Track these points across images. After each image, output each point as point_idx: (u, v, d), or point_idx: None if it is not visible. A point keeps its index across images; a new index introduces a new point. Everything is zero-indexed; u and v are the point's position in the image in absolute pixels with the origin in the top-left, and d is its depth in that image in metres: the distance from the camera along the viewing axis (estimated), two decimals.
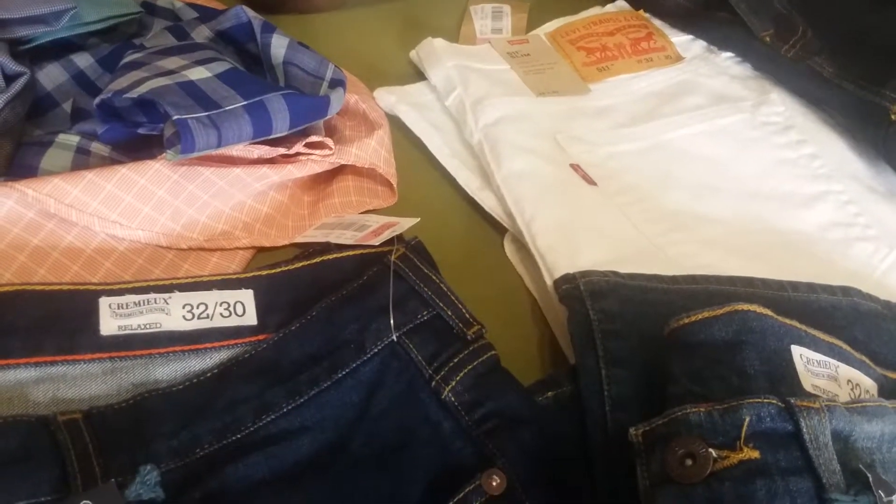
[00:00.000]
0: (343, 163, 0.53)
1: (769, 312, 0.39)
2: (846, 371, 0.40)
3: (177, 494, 0.36)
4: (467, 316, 0.44)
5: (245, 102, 0.47)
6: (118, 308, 0.40)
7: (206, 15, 0.57)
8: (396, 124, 0.60)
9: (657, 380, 0.39)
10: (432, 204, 0.57)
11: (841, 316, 0.47)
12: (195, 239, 0.49)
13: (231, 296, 0.43)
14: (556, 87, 0.65)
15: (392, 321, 0.43)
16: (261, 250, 0.51)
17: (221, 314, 0.42)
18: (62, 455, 0.34)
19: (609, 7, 0.73)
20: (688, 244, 0.54)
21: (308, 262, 0.46)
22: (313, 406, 0.40)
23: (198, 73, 0.48)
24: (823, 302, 0.47)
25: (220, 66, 0.50)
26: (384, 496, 0.39)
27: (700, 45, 0.70)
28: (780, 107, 0.64)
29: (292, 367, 0.41)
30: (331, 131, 0.55)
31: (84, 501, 0.33)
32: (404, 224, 0.49)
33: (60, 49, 0.54)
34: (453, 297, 0.44)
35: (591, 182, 0.56)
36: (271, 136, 0.49)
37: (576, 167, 0.57)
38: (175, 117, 0.44)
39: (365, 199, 0.55)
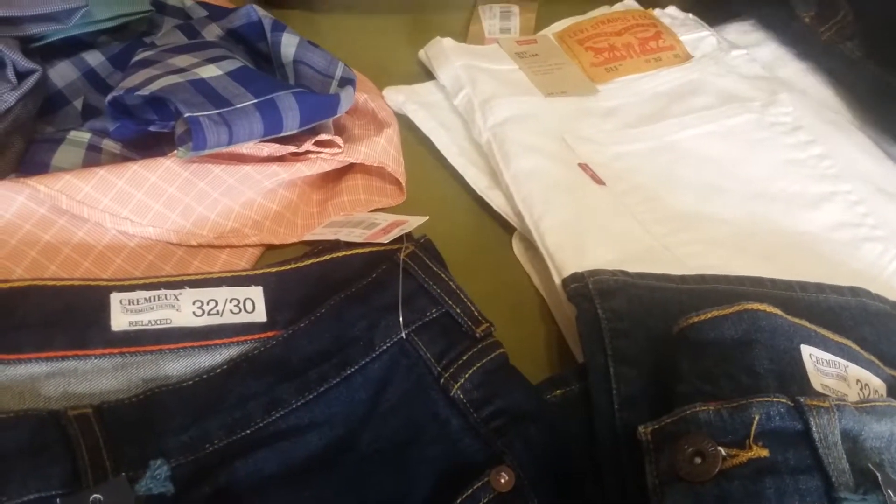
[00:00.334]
0: (352, 161, 0.53)
1: (779, 312, 0.39)
2: (855, 371, 0.40)
3: (187, 489, 0.36)
4: (476, 314, 0.44)
5: (256, 100, 0.47)
6: (129, 304, 0.41)
7: (216, 13, 0.58)
8: (405, 123, 0.61)
9: (666, 379, 0.39)
10: (441, 203, 0.57)
11: (849, 316, 0.47)
12: (205, 236, 0.49)
13: (241, 292, 0.43)
14: (564, 87, 0.65)
15: (401, 318, 0.43)
16: (270, 248, 0.52)
17: (231, 311, 0.43)
18: (73, 449, 0.34)
19: (617, 6, 0.73)
20: (696, 244, 0.54)
21: (317, 260, 0.46)
22: (322, 402, 0.40)
23: (209, 71, 0.48)
24: (832, 302, 0.47)
25: (231, 65, 0.50)
26: (392, 492, 0.39)
27: (709, 43, 0.70)
28: (789, 107, 0.64)
29: (301, 364, 0.41)
30: (340, 130, 0.56)
31: (95, 495, 0.33)
32: (413, 222, 0.49)
33: (71, 47, 0.54)
34: (462, 295, 0.44)
35: (599, 182, 0.56)
36: (282, 134, 0.49)
37: (584, 167, 0.57)
38: (186, 115, 0.44)
39: (374, 198, 0.55)
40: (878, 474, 0.33)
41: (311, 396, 0.40)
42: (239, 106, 0.46)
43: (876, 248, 0.56)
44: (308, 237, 0.52)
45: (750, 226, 0.56)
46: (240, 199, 0.50)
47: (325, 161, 0.52)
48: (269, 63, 0.55)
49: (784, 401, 0.34)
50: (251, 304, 0.43)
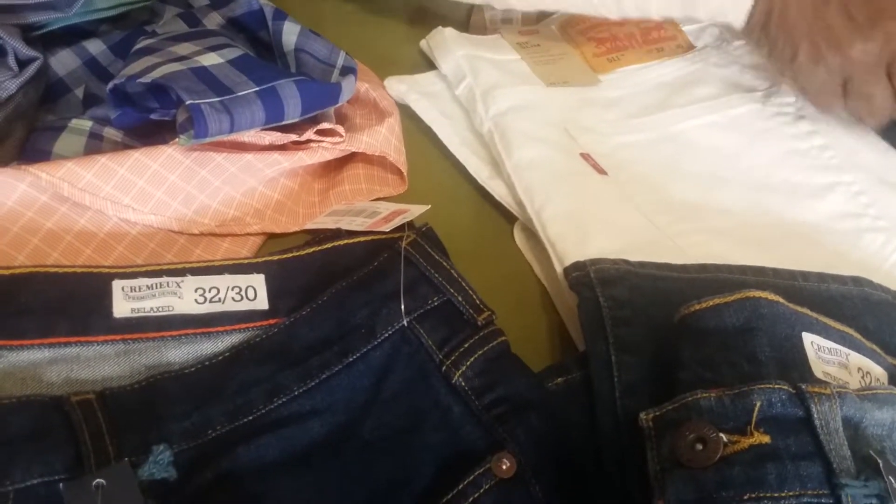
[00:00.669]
0: (353, 150, 0.53)
1: (780, 300, 0.39)
2: (857, 359, 0.40)
3: (189, 474, 0.36)
4: (477, 302, 0.44)
5: (257, 88, 0.47)
6: (131, 291, 0.41)
7: (217, 2, 0.57)
8: (407, 113, 0.60)
9: (667, 366, 0.39)
10: (442, 192, 0.57)
11: (851, 306, 0.47)
12: (206, 224, 0.49)
13: (243, 280, 0.43)
14: (566, 77, 0.65)
15: (403, 306, 0.43)
16: (271, 236, 0.51)
17: (233, 298, 0.43)
18: (76, 435, 0.35)
19: None
20: (697, 234, 0.54)
21: (319, 248, 0.47)
22: (324, 389, 0.40)
23: (210, 59, 0.48)
24: (834, 291, 0.47)
25: (233, 53, 0.50)
26: (394, 479, 0.39)
27: (711, 33, 0.70)
28: (792, 97, 0.64)
29: (303, 351, 0.41)
30: (341, 119, 0.55)
31: (98, 480, 0.33)
32: (415, 211, 0.49)
33: (72, 36, 0.54)
34: (464, 283, 0.44)
35: (601, 171, 0.56)
36: (283, 123, 0.49)
37: (586, 156, 0.57)
38: (188, 102, 0.44)
39: (375, 187, 0.55)
40: (880, 461, 0.33)
41: (312, 383, 0.40)
42: (240, 94, 0.46)
43: (878, 239, 0.56)
44: (309, 226, 0.52)
45: (752, 216, 0.56)
46: (241, 188, 0.50)
47: (326, 150, 0.52)
48: (270, 52, 0.55)
49: (785, 387, 0.34)
50: (253, 292, 0.43)
